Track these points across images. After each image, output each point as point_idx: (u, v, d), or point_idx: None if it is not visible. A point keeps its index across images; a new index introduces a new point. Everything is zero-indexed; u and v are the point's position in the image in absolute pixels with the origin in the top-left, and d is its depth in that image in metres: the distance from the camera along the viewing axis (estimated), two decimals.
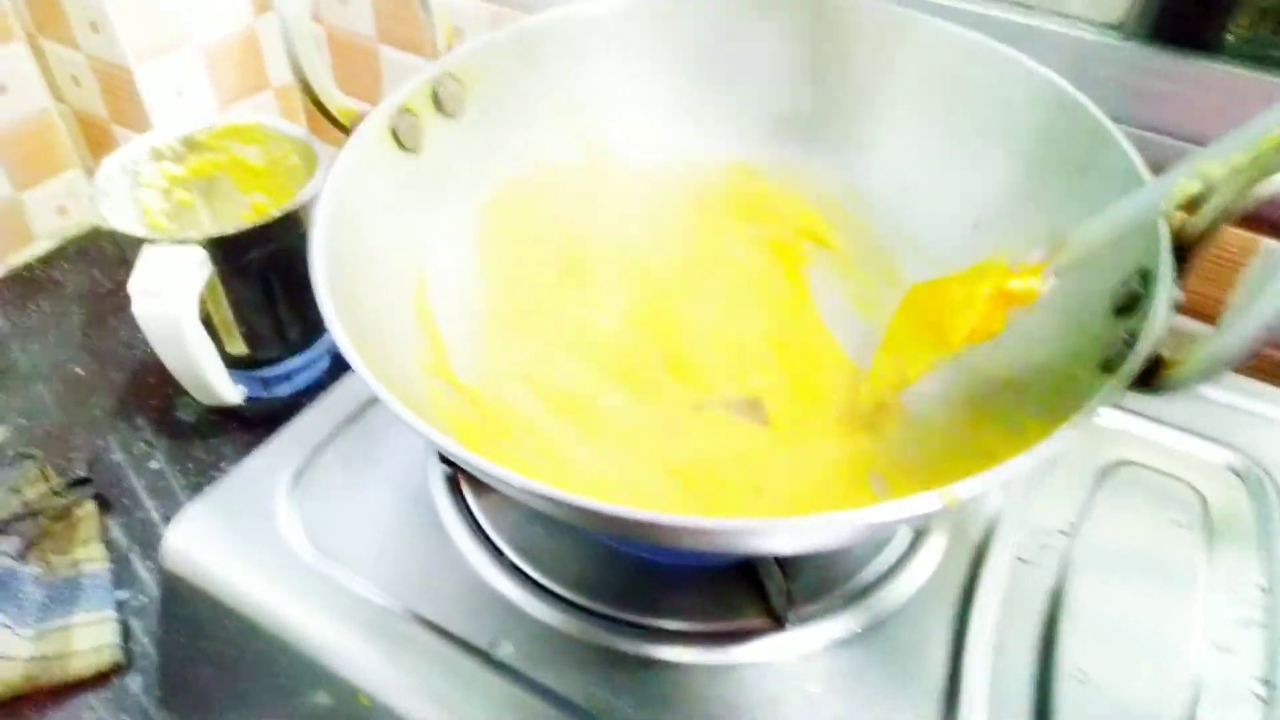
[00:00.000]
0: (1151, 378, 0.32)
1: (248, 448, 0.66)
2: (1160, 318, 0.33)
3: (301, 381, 0.70)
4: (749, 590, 0.42)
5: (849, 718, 0.38)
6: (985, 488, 0.29)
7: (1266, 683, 0.39)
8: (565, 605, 0.42)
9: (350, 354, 0.33)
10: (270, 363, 0.67)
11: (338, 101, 0.44)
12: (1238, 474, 0.47)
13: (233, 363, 0.64)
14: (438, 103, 0.47)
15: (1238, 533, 0.44)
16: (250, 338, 0.65)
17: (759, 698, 0.39)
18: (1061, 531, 0.45)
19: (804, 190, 0.52)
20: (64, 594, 0.56)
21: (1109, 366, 0.35)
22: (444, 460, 0.47)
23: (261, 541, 0.44)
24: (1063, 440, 0.30)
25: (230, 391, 0.63)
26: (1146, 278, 0.36)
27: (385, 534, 0.45)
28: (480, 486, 0.46)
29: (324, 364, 0.72)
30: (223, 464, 0.66)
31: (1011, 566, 0.43)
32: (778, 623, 0.41)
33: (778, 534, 0.31)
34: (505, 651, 0.40)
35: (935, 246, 0.48)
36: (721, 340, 0.50)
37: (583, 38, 0.51)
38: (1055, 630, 0.41)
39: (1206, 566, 0.43)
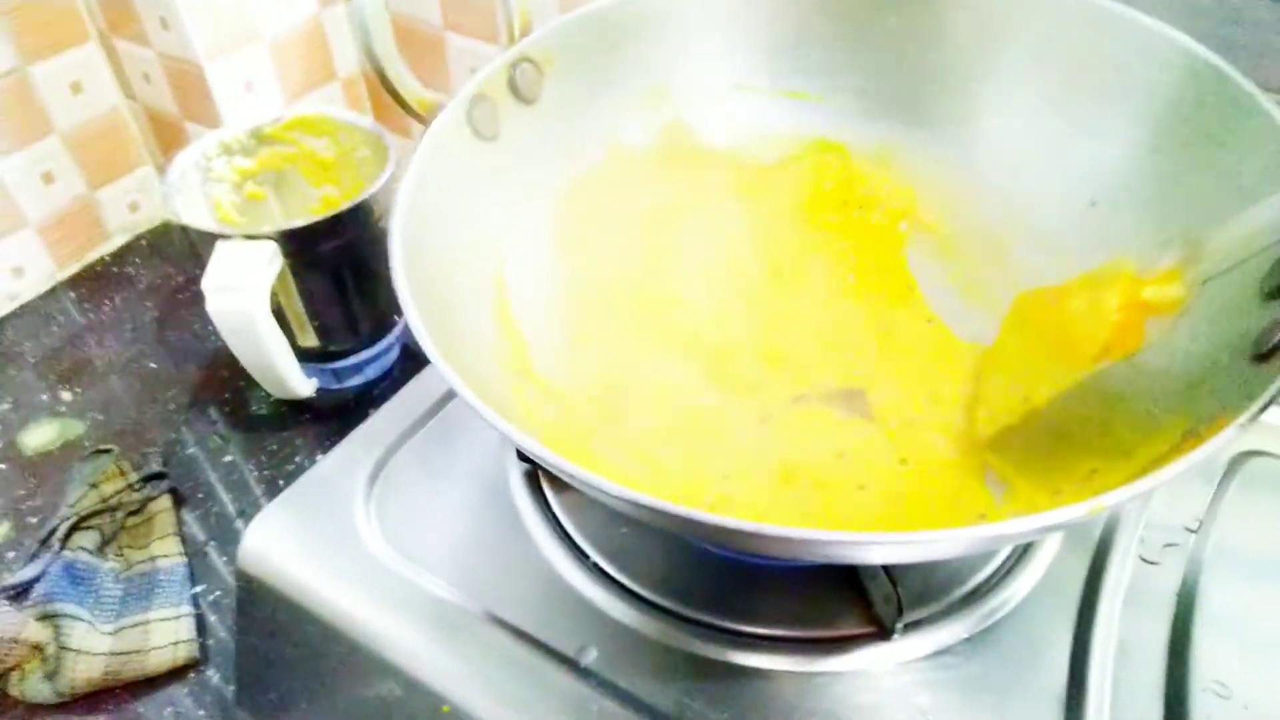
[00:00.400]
0: None
1: (320, 440, 0.66)
2: None
3: (372, 373, 0.69)
4: (849, 594, 0.40)
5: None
6: (1137, 495, 0.26)
7: None
8: (652, 609, 0.40)
9: (430, 348, 0.32)
10: (342, 355, 0.67)
11: (415, 92, 0.42)
12: None
13: (304, 355, 0.63)
14: (514, 89, 0.45)
15: None
16: (322, 330, 0.64)
17: (860, 709, 0.37)
18: (1188, 529, 0.41)
19: (899, 169, 0.49)
20: (141, 589, 0.56)
21: (1264, 356, 0.31)
22: (522, 458, 0.45)
23: (338, 542, 0.43)
24: (1227, 439, 0.27)
25: (303, 384, 0.62)
26: None
27: (464, 534, 0.44)
28: (561, 485, 0.45)
29: (394, 355, 0.71)
30: (297, 457, 0.65)
31: (1135, 567, 0.40)
32: (882, 631, 0.38)
33: (891, 546, 0.29)
34: (590, 658, 0.38)
35: (1047, 225, 0.45)
36: (818, 329, 0.47)
37: (661, 16, 0.48)
38: (1187, 637, 0.38)
39: None
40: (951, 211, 0.48)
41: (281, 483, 0.63)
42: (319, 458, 0.54)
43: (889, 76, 0.49)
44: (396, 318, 0.68)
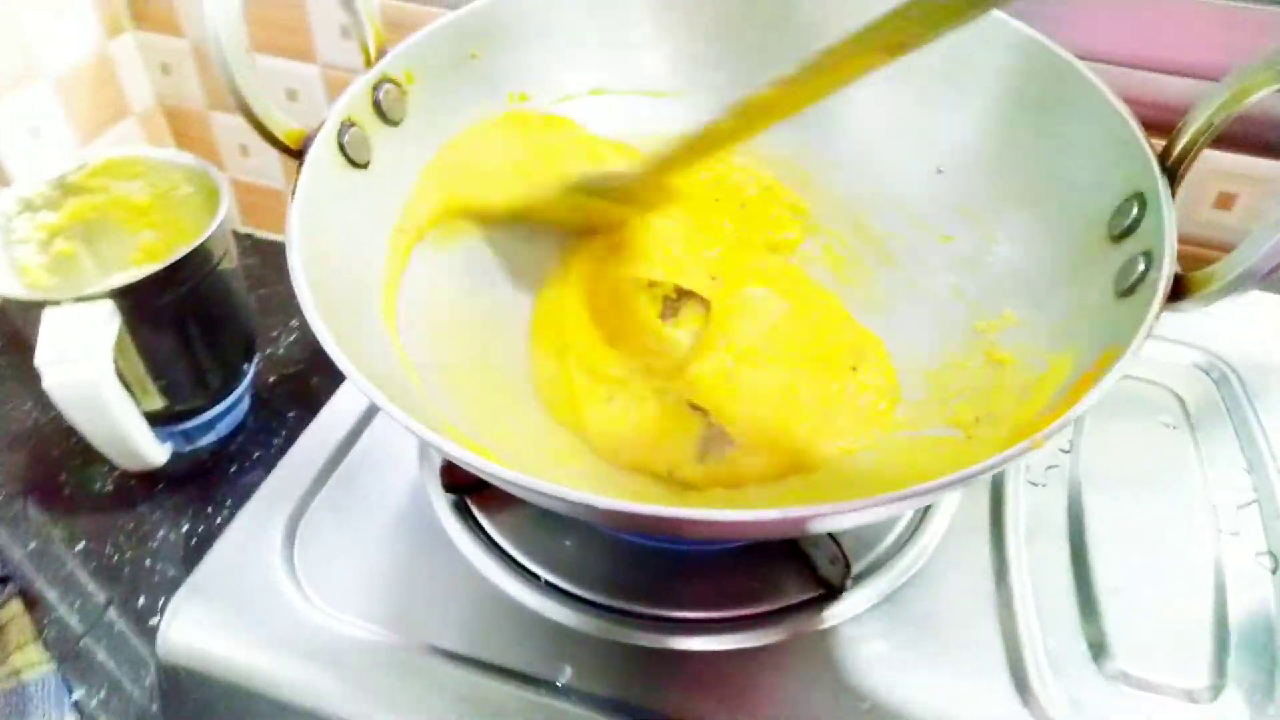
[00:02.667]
0: (1179, 294, 0.33)
1: (181, 509, 0.61)
2: (1172, 235, 0.35)
3: (225, 428, 0.65)
4: (790, 562, 0.42)
5: (919, 665, 0.39)
6: (1066, 424, 0.30)
7: (1270, 554, 0.42)
8: (616, 615, 0.41)
9: (358, 381, 0.32)
10: (191, 413, 0.62)
11: (283, 124, 0.40)
12: (1204, 371, 0.50)
13: (150, 419, 0.58)
14: (379, 111, 0.44)
15: (1215, 425, 0.48)
16: (168, 390, 0.59)
17: (821, 670, 0.39)
18: (1063, 450, 0.47)
19: (761, 156, 0.51)
20: (12, 708, 0.50)
21: (1126, 292, 0.36)
22: (449, 488, 0.44)
23: (268, 612, 0.41)
24: (1126, 367, 0.31)
25: (156, 452, 0.57)
26: (1142, 200, 0.37)
27: (399, 577, 0.42)
28: (494, 509, 0.44)
29: (245, 405, 0.66)
30: (160, 531, 0.60)
31: (1026, 491, 0.45)
32: (830, 592, 0.41)
33: (852, 513, 0.30)
34: (567, 676, 0.39)
35: (901, 194, 0.49)
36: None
37: (515, 23, 0.48)
38: (1083, 548, 0.43)
39: (1198, 461, 0.46)
40: (813, 191, 0.51)
41: (149, 562, 0.58)
42: (216, 529, 0.51)
43: (741, 66, 0.51)
44: (246, 365, 0.64)
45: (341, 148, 0.42)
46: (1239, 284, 0.31)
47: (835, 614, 0.41)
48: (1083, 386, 0.33)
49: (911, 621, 0.40)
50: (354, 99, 0.42)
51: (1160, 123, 0.38)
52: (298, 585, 0.42)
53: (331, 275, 0.38)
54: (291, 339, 0.72)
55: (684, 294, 0.47)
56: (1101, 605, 0.40)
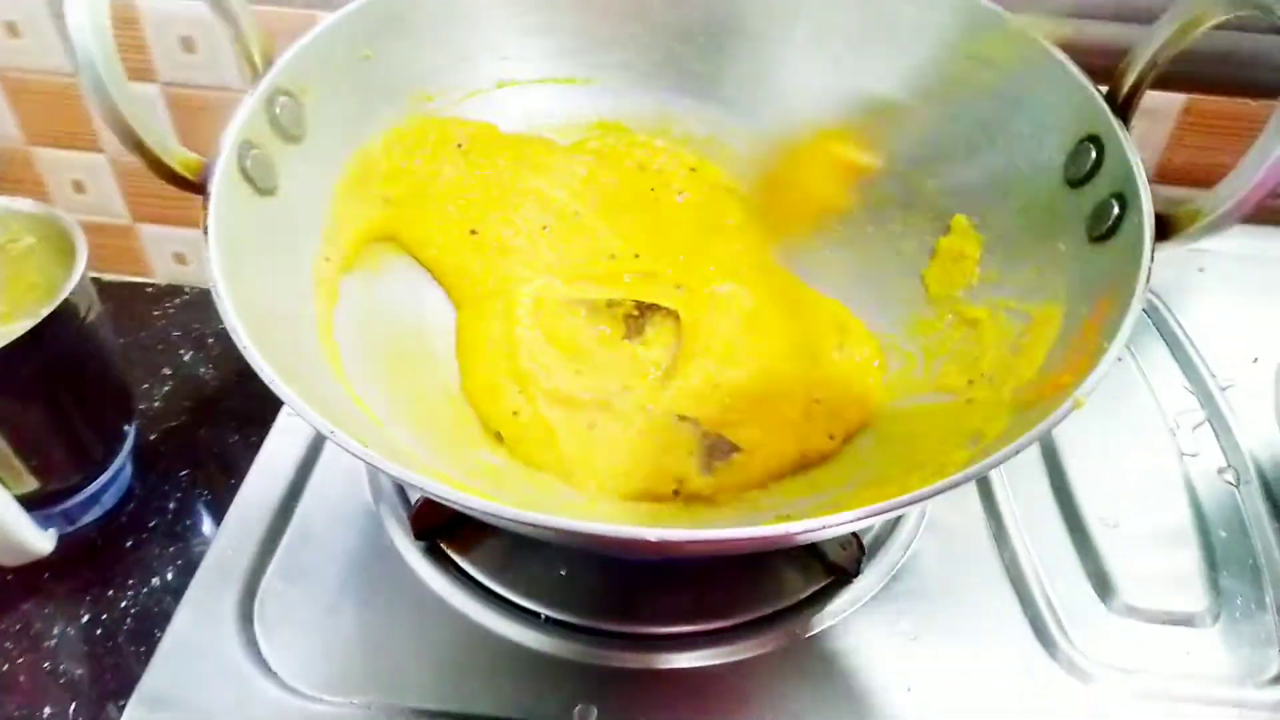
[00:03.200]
0: (1164, 234, 0.33)
1: (75, 598, 0.53)
2: (1142, 174, 0.35)
3: (111, 499, 0.57)
4: (794, 555, 0.41)
5: (943, 635, 0.38)
6: (1103, 375, 0.29)
7: (1231, 468, 0.44)
8: (635, 642, 0.38)
9: (338, 436, 0.28)
10: (71, 491, 0.54)
11: (178, 154, 0.34)
12: None
13: (24, 505, 0.51)
14: (278, 128, 0.39)
15: (1152, 350, 0.49)
16: (42, 469, 0.52)
17: (853, 659, 0.38)
18: None
19: (683, 137, 0.49)
20: None
21: (1102, 237, 0.36)
22: (420, 535, 0.40)
23: (238, 708, 0.36)
24: (1138, 311, 0.31)
25: (39, 540, 0.50)
26: (1098, 143, 0.37)
27: (380, 639, 0.38)
28: (469, 549, 0.40)
29: (129, 471, 0.59)
30: (55, 628, 0.52)
31: None
32: (843, 577, 0.40)
33: (881, 513, 0.29)
34: (593, 716, 0.36)
35: None
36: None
37: (404, 19, 0.44)
38: (1066, 489, 0.43)
39: (1148, 389, 0.47)
40: (738, 167, 0.49)
41: (48, 665, 0.51)
42: (122, 614, 0.44)
43: (650, 46, 0.48)
44: (126, 427, 0.57)
45: (245, 173, 0.36)
46: (1225, 219, 0.32)
47: (850, 600, 0.39)
48: (1090, 334, 0.33)
49: (925, 594, 0.40)
50: (250, 118, 0.37)
51: (1094, 68, 0.38)
52: (267, 670, 0.37)
53: (264, 318, 0.33)
54: (166, 389, 0.65)
55: (646, 308, 0.44)
56: (1097, 542, 0.41)
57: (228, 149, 0.36)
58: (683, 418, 0.41)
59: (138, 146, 0.33)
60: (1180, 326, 0.50)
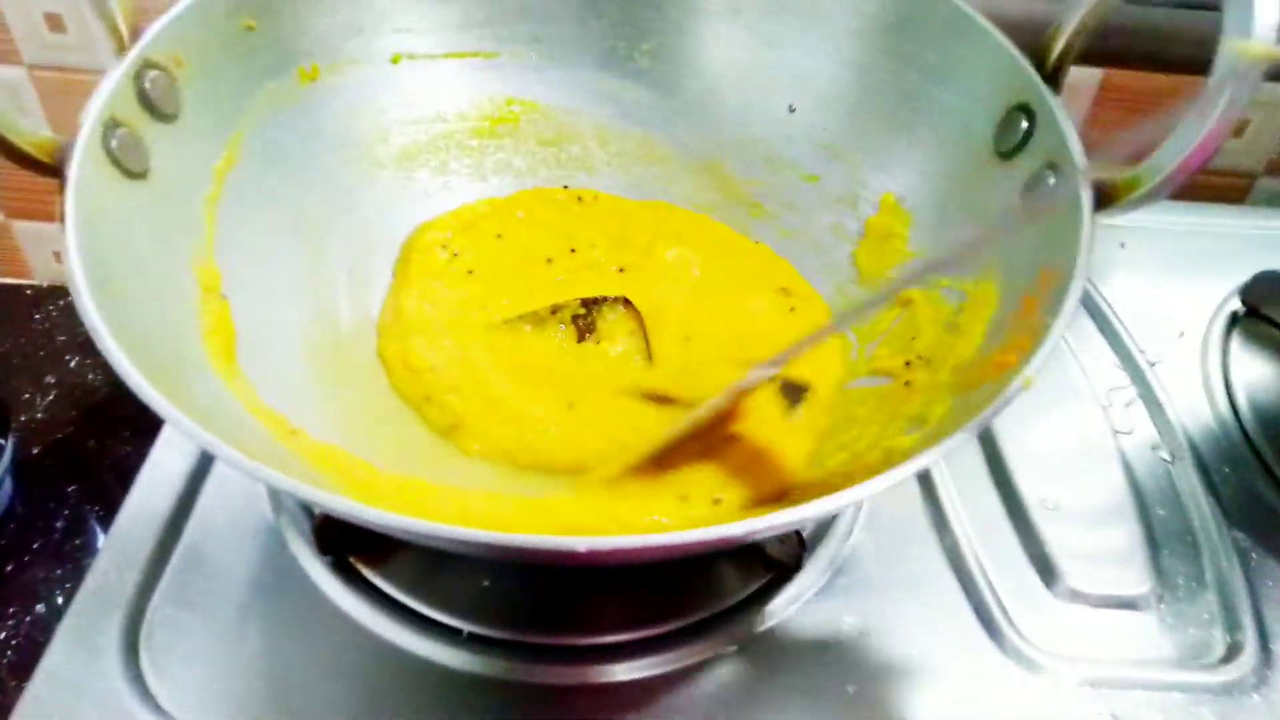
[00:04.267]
0: (1102, 203, 0.32)
1: None
2: (1075, 142, 0.34)
3: None
4: (734, 557, 0.39)
5: (890, 631, 0.37)
6: (1049, 351, 0.28)
7: (1164, 445, 0.44)
8: (554, 654, 0.35)
9: (200, 436, 0.25)
10: None
11: (29, 134, 0.30)
12: None
13: None
14: (148, 105, 0.35)
15: (1079, 325, 0.49)
16: None
17: (800, 657, 0.36)
18: None
19: (597, 115, 0.47)
20: None
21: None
22: (325, 549, 0.37)
23: None
24: (1080, 283, 0.30)
25: None
26: (1028, 112, 0.36)
27: (282, 664, 0.35)
28: (382, 562, 0.37)
29: (8, 488, 0.54)
30: None
31: None
32: (784, 572, 0.38)
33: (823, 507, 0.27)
34: None
35: (751, 136, 0.46)
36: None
37: None
38: (1004, 472, 0.42)
39: (1078, 367, 0.47)
40: (660, 145, 0.47)
41: None
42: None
43: (560, 18, 0.46)
44: (2, 440, 0.52)
45: (110, 154, 0.33)
46: (1165, 186, 0.31)
47: (790, 598, 0.37)
48: (1030, 310, 0.31)
49: (868, 588, 0.38)
50: (115, 93, 0.33)
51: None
52: (155, 706, 0.33)
53: (135, 318, 0.30)
54: (50, 399, 0.60)
55: (592, 304, 0.41)
56: (1038, 526, 0.40)
57: (88, 127, 0.32)
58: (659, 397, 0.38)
59: None
60: (1107, 303, 0.50)
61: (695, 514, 0.35)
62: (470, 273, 0.43)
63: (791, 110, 0.45)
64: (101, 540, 0.51)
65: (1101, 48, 0.52)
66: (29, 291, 0.65)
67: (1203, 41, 0.29)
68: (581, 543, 0.23)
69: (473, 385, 0.39)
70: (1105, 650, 0.36)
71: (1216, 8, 0.29)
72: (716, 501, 0.35)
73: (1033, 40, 0.37)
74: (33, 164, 0.31)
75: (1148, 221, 0.54)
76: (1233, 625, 0.37)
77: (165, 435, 0.42)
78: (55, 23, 0.54)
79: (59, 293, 0.65)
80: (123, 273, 0.31)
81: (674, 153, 0.47)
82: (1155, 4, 0.52)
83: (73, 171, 0.31)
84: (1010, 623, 0.37)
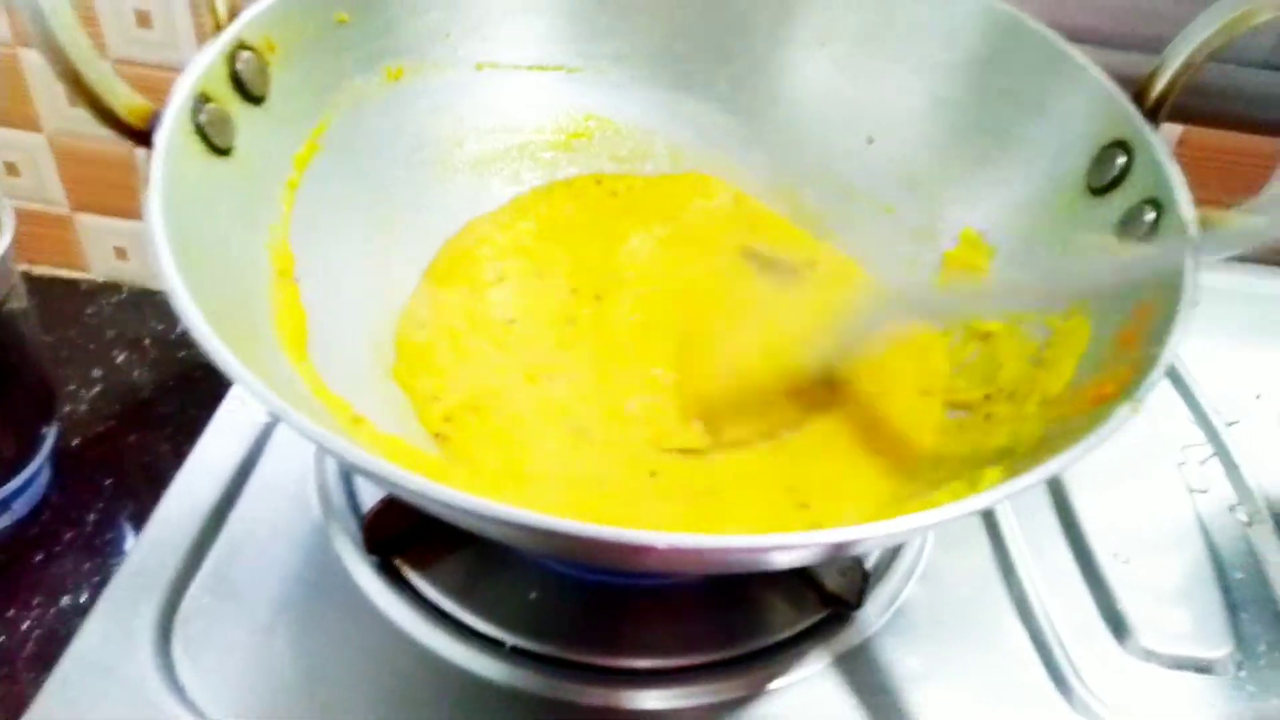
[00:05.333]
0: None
1: None
2: (1179, 177, 0.33)
3: (23, 507, 0.52)
4: (787, 586, 0.37)
5: (952, 676, 0.35)
6: (1159, 379, 0.27)
7: (1242, 506, 0.42)
8: (603, 676, 0.34)
9: (270, 400, 0.24)
10: None
11: (125, 98, 0.30)
12: None
13: None
14: (239, 85, 0.35)
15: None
16: None
17: (863, 692, 0.34)
18: None
19: (676, 136, 0.46)
20: None
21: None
22: (373, 548, 0.36)
23: None
24: (1188, 315, 0.28)
25: None
26: (1126, 148, 0.35)
27: (317, 665, 0.34)
28: (428, 566, 0.36)
29: (45, 477, 0.53)
30: None
31: None
32: (843, 609, 0.36)
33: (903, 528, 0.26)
34: None
35: (829, 166, 0.45)
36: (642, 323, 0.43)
37: None
38: (1075, 525, 0.40)
39: (1153, 422, 0.45)
40: (733, 169, 0.46)
41: None
42: (25, 635, 0.39)
43: (646, 39, 0.46)
44: (44, 429, 0.51)
45: (199, 129, 0.32)
46: (1272, 227, 0.30)
47: (853, 635, 0.36)
48: (1129, 343, 0.30)
49: (930, 631, 0.36)
50: (208, 69, 0.33)
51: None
52: (183, 699, 0.32)
53: (209, 287, 0.29)
54: (95, 392, 0.59)
55: None
56: (1109, 581, 0.38)
57: (180, 99, 0.32)
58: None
59: (76, 82, 0.29)
60: (1180, 361, 0.48)
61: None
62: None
63: (870, 141, 0.45)
64: (131, 536, 0.50)
65: (1181, 103, 0.52)
66: (84, 286, 0.66)
67: None
68: (661, 538, 0.22)
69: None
70: (1179, 713, 0.34)
71: None
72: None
73: (1130, 83, 0.36)
74: (125, 128, 0.31)
75: (1223, 282, 0.52)
76: None
77: (217, 424, 0.42)
78: (143, 19, 0.55)
79: (113, 289, 0.66)
80: (200, 242, 0.30)
81: (748, 177, 0.47)
82: (1239, 64, 0.51)
83: (161, 138, 0.30)
84: (1079, 677, 0.35)
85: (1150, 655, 0.36)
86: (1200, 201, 0.32)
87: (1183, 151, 0.55)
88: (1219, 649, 0.36)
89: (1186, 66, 0.34)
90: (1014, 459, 0.30)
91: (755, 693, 0.34)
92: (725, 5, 0.45)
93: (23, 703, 0.41)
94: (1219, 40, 0.33)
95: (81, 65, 0.29)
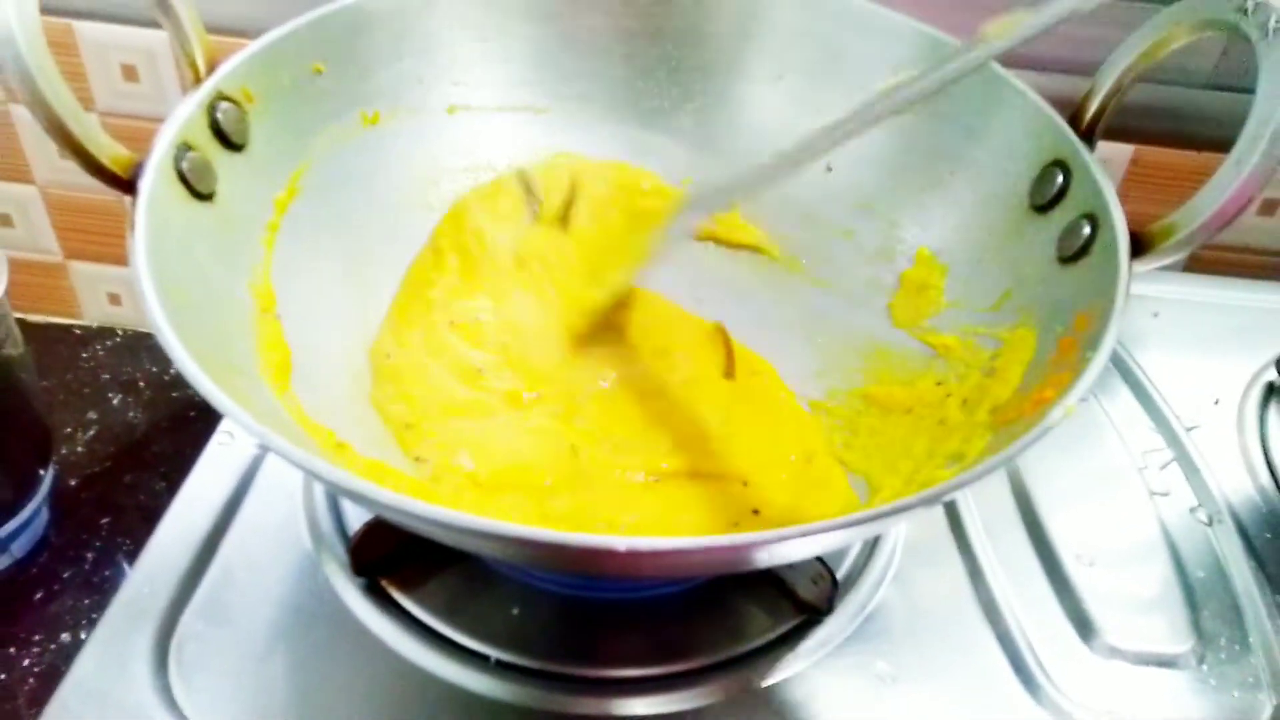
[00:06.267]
0: (1137, 250, 0.33)
1: None
2: (1112, 194, 0.34)
3: (21, 549, 0.53)
4: (757, 594, 0.38)
5: (922, 680, 0.36)
6: (1091, 381, 0.28)
7: (1202, 508, 0.43)
8: (588, 686, 0.35)
9: (254, 429, 0.26)
10: None
11: (109, 148, 0.32)
12: None
13: None
14: (219, 134, 0.37)
15: (1113, 389, 0.49)
16: None
17: (828, 705, 0.35)
18: None
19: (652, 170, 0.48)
20: None
21: (1073, 257, 0.35)
22: (359, 570, 0.37)
23: None
24: (1118, 324, 0.30)
25: None
26: (1065, 167, 0.37)
27: (310, 684, 0.35)
28: (412, 587, 0.37)
29: (44, 518, 0.55)
30: None
31: None
32: (815, 615, 0.37)
33: (862, 526, 0.27)
34: None
35: (788, 194, 0.47)
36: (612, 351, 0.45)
37: (359, 32, 0.42)
38: (1039, 528, 0.42)
39: (1112, 427, 0.47)
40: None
41: None
42: (26, 672, 0.40)
43: (610, 79, 0.48)
44: (41, 471, 0.53)
45: (181, 176, 0.34)
46: (1200, 234, 0.31)
47: (819, 642, 0.37)
48: (1068, 351, 0.32)
49: (900, 635, 0.37)
50: (188, 119, 0.35)
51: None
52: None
53: (195, 325, 0.31)
54: (90, 434, 0.61)
55: None
56: (1074, 584, 0.39)
57: (162, 148, 0.34)
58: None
59: (62, 135, 0.31)
60: (1141, 369, 0.50)
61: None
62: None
63: (829, 170, 0.47)
64: (129, 573, 0.51)
65: (1133, 125, 0.54)
66: (78, 331, 0.67)
67: (1234, 123, 0.30)
68: (621, 542, 0.24)
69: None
70: (1145, 708, 0.36)
71: (1248, 90, 0.30)
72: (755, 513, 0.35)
73: (1067, 105, 0.38)
74: (110, 177, 0.32)
75: (1181, 293, 0.54)
76: None
77: (207, 457, 0.43)
78: (130, 73, 0.57)
79: (106, 334, 0.67)
80: (185, 283, 0.32)
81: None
82: (1185, 85, 0.54)
83: (145, 185, 0.32)
84: (1047, 676, 0.36)
85: (1115, 653, 0.37)
86: (1153, 218, 0.33)
87: (1135, 170, 0.57)
88: (1182, 645, 0.38)
89: (1116, 88, 0.36)
90: (963, 463, 0.32)
91: (734, 697, 0.35)
92: (683, 45, 0.47)
93: None
94: (1143, 64, 0.35)
95: (67, 119, 0.30)
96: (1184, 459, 0.45)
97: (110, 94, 0.58)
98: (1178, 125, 0.55)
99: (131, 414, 0.62)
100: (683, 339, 0.45)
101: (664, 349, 0.44)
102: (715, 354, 0.44)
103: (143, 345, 0.66)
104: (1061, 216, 0.37)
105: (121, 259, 0.66)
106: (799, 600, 0.37)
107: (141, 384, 0.64)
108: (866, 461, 0.39)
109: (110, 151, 0.32)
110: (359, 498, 0.25)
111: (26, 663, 0.47)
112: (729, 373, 0.43)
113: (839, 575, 0.38)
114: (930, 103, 0.43)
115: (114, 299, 0.68)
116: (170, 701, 0.33)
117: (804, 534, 0.24)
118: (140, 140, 0.33)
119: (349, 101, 0.43)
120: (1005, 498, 0.43)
